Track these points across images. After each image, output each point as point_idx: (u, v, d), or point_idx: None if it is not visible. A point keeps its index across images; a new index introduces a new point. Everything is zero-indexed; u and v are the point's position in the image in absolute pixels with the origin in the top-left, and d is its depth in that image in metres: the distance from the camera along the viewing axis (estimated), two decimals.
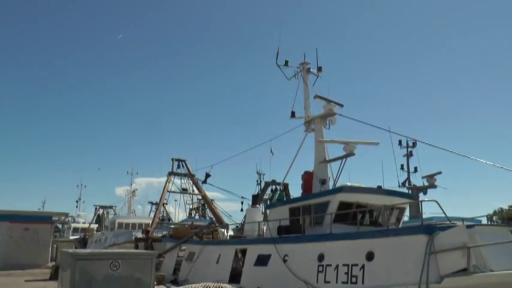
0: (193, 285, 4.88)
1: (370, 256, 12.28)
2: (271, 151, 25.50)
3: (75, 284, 7.84)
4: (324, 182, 18.80)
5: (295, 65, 22.07)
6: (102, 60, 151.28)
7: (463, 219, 15.91)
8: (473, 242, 10.67)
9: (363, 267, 12.34)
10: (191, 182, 34.92)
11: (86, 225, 61.12)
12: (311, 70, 21.89)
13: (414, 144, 40.20)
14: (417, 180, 38.19)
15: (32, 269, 25.29)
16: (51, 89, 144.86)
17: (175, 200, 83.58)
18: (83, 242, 48.40)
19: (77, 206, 74.80)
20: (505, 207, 47.90)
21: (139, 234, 32.22)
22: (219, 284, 4.95)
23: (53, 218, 31.24)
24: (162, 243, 26.73)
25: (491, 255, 10.79)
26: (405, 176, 40.22)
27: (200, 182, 33.07)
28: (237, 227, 28.28)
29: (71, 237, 54.98)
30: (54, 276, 19.84)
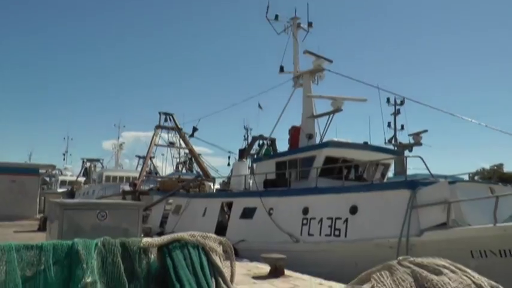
0: (179, 234, 4.95)
1: (353, 210, 12.55)
2: (259, 105, 25.47)
3: (63, 233, 7.91)
4: (310, 137, 18.90)
5: (286, 20, 21.69)
6: (90, 10, 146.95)
7: (445, 177, 16.23)
8: (454, 198, 10.95)
9: (346, 220, 12.64)
10: (178, 135, 34.85)
11: (74, 178, 61.07)
12: (301, 25, 21.54)
13: (402, 102, 40.42)
14: (403, 138, 38.68)
15: (20, 221, 25.41)
16: (38, 37, 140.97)
17: (163, 154, 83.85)
18: (70, 195, 48.56)
19: (64, 159, 74.54)
20: (487, 167, 48.86)
21: (127, 187, 32.39)
22: (205, 234, 5.02)
23: (40, 171, 31.11)
24: (149, 196, 26.95)
25: (470, 210, 11.11)
26: (392, 133, 40.67)
27: (187, 136, 33.03)
28: (223, 181, 28.53)
29: (59, 190, 55.10)
30: (42, 228, 19.98)
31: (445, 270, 2.08)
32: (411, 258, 2.24)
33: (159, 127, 33.35)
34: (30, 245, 4.49)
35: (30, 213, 28.23)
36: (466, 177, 16.31)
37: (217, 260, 5.19)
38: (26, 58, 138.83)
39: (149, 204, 24.69)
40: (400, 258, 2.29)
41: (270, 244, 13.55)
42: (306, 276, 10.58)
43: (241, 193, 18.64)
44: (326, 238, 13.01)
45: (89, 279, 4.48)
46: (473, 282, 2.05)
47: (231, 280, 5.36)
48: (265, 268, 10.98)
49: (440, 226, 10.79)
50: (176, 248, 4.96)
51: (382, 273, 2.12)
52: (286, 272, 10.75)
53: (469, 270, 2.11)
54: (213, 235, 5.32)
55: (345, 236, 12.53)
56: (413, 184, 11.63)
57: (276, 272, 10.51)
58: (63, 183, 59.79)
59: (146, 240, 4.87)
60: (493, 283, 2.11)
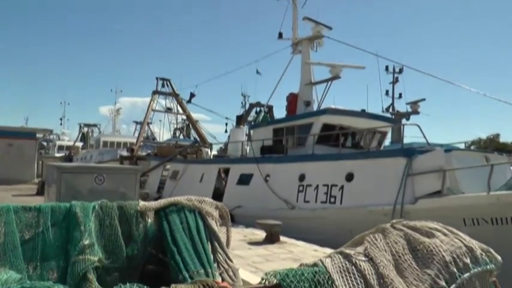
0: (176, 198, 4.98)
1: (349, 177, 12.64)
2: (258, 71, 25.25)
3: (61, 197, 7.97)
4: (308, 104, 18.85)
5: None
6: None
7: (442, 145, 16.30)
8: (449, 166, 11.02)
9: (342, 187, 12.74)
10: (176, 101, 34.65)
11: (71, 143, 61.02)
12: None
13: (401, 70, 40.16)
14: (401, 107, 38.57)
15: (19, 185, 25.55)
16: (36, 3, 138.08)
17: (160, 120, 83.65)
18: (68, 160, 48.61)
19: (61, 124, 74.40)
20: (484, 137, 48.99)
21: (125, 153, 32.43)
22: (201, 198, 5.06)
23: (37, 135, 31.06)
24: (147, 161, 27.03)
25: (464, 179, 11.21)
26: (389, 101, 40.54)
27: (185, 102, 32.86)
28: (220, 148, 28.57)
29: (56, 155, 55.13)
30: (40, 192, 20.11)
31: (437, 233, 2.12)
32: (404, 222, 2.27)
33: (156, 92, 33.11)
34: (28, 207, 4.51)
35: (28, 177, 28.33)
36: (462, 146, 16.39)
37: (213, 224, 5.23)
38: (23, 20, 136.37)
39: (146, 170, 24.79)
40: (394, 221, 2.32)
41: (266, 210, 13.70)
42: (300, 243, 10.76)
43: (238, 159, 18.71)
44: (321, 205, 13.15)
45: (86, 242, 4.51)
46: (464, 245, 2.08)
47: (227, 245, 5.42)
48: (261, 234, 11.15)
49: (434, 194, 10.91)
50: (173, 212, 4.99)
51: (376, 235, 2.16)
52: (282, 238, 10.93)
53: (460, 233, 2.15)
54: (210, 199, 5.35)
55: (341, 203, 12.66)
56: (410, 152, 11.69)
57: (271, 238, 10.68)
58: (60, 148, 59.79)
59: (143, 203, 4.90)
60: (484, 246, 2.15)
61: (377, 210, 11.33)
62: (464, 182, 11.12)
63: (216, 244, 5.08)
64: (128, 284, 1.79)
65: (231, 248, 5.43)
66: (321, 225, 12.35)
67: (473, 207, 10.12)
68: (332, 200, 12.92)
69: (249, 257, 8.86)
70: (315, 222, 12.77)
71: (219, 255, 5.01)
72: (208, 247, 4.98)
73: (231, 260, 5.08)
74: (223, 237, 5.35)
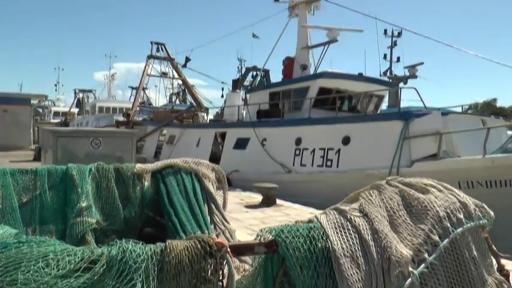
0: (172, 160, 4.98)
1: (346, 141, 12.66)
2: (254, 35, 24.87)
3: (57, 161, 7.97)
4: (305, 67, 18.68)
5: None
6: None
7: (439, 109, 16.28)
8: (446, 129, 11.04)
9: (338, 151, 12.79)
10: (171, 66, 34.27)
11: (67, 109, 60.64)
12: None
13: (399, 34, 39.74)
14: (399, 71, 38.35)
15: (15, 151, 25.49)
16: None
17: (156, 86, 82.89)
18: (64, 126, 48.44)
19: (56, 90, 73.78)
20: (481, 101, 48.89)
21: (121, 118, 32.31)
22: (197, 160, 5.06)
23: (32, 101, 30.78)
24: (143, 126, 26.96)
25: (461, 142, 11.25)
26: (387, 65, 40.25)
27: (180, 66, 32.50)
28: (217, 113, 28.48)
29: (52, 121, 54.89)
30: (37, 158, 20.09)
31: (432, 189, 2.13)
32: (400, 178, 2.28)
33: (151, 57, 32.67)
34: (25, 170, 4.51)
35: (25, 143, 28.23)
36: (459, 110, 16.38)
37: (210, 186, 5.25)
38: None
39: (143, 135, 24.75)
40: (389, 178, 2.33)
41: (262, 174, 13.78)
42: (297, 205, 10.87)
43: (235, 124, 18.68)
44: (318, 168, 13.22)
45: (84, 204, 4.54)
46: (458, 201, 2.10)
47: (224, 207, 5.46)
48: (258, 197, 11.25)
49: (430, 157, 10.96)
50: (169, 174, 5.00)
51: (371, 192, 2.17)
52: (278, 201, 11.03)
53: (455, 190, 2.16)
54: (206, 162, 5.36)
55: (337, 166, 12.73)
56: (407, 115, 11.67)
57: (268, 201, 10.78)
58: (56, 114, 59.41)
59: (140, 166, 4.90)
60: (477, 202, 2.16)
61: (373, 174, 11.40)
62: (460, 146, 11.17)
63: (213, 206, 5.12)
64: (123, 240, 1.80)
65: (227, 211, 5.48)
66: (317, 188, 12.46)
67: (469, 170, 10.20)
68: (328, 163, 12.98)
69: (246, 219, 8.97)
70: (311, 185, 12.87)
71: (216, 217, 5.06)
72: (205, 209, 5.02)
73: (227, 222, 5.14)
74: (220, 200, 5.38)
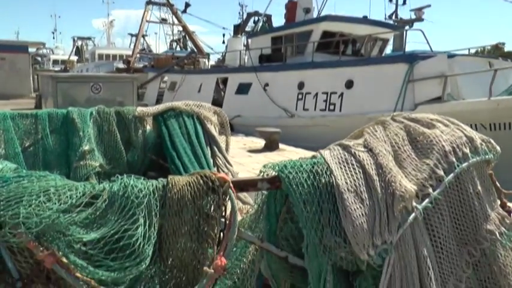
0: (173, 103, 4.92)
1: (349, 84, 12.52)
2: None
3: (58, 107, 7.93)
4: (308, 11, 18.19)
5: None
6: None
7: (445, 52, 15.98)
8: (452, 72, 10.86)
9: (341, 95, 12.67)
10: (170, 12, 33.44)
11: (66, 57, 59.88)
12: None
13: None
14: (405, 14, 37.27)
15: (16, 100, 25.39)
16: None
17: (156, 33, 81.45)
18: None
19: (53, 38, 72.55)
20: (488, 47, 47.79)
21: (121, 65, 31.94)
22: (199, 103, 5.00)
23: (30, 49, 30.32)
24: (144, 73, 26.68)
25: (466, 84, 11.09)
26: (393, 8, 39.07)
27: (180, 12, 31.72)
28: (218, 59, 28.04)
29: (52, 69, 54.34)
30: (39, 105, 20.03)
31: (438, 124, 2.08)
32: (405, 114, 2.22)
33: (150, 3, 31.84)
34: (25, 114, 4.48)
35: (24, 91, 28.05)
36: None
37: (212, 129, 5.23)
38: None
39: (144, 82, 24.54)
40: (394, 113, 2.27)
41: (265, 119, 13.74)
42: (299, 150, 10.90)
43: (237, 69, 18.44)
44: (321, 113, 13.16)
45: (86, 147, 4.53)
46: (465, 135, 2.06)
47: (226, 150, 5.46)
48: (260, 142, 11.26)
49: (435, 100, 10.86)
50: (171, 117, 4.96)
51: (375, 127, 2.13)
52: (281, 145, 11.05)
53: (461, 124, 2.11)
54: (208, 104, 5.30)
55: (340, 110, 12.66)
56: (411, 58, 11.47)
57: (270, 146, 10.80)
58: (55, 62, 58.69)
59: (141, 109, 4.85)
60: (484, 137, 2.12)
61: (376, 117, 11.29)
62: (465, 88, 11.03)
63: (215, 148, 5.11)
64: (125, 175, 1.78)
65: (230, 156, 5.48)
66: (320, 133, 12.44)
67: (473, 112, 10.11)
68: (331, 107, 12.91)
69: (249, 163, 9.02)
70: (314, 130, 12.85)
71: (219, 159, 5.06)
72: (208, 151, 5.01)
73: (230, 164, 5.14)
74: (222, 144, 5.37)
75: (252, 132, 12.30)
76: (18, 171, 1.71)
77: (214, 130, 5.21)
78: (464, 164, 1.96)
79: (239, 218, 2.28)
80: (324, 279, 2.06)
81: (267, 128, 11.21)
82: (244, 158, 9.63)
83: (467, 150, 1.99)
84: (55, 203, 1.54)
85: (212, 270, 1.75)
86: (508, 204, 2.24)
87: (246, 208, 4.14)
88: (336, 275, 2.07)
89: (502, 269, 1.98)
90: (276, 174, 1.98)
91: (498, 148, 2.13)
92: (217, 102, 18.05)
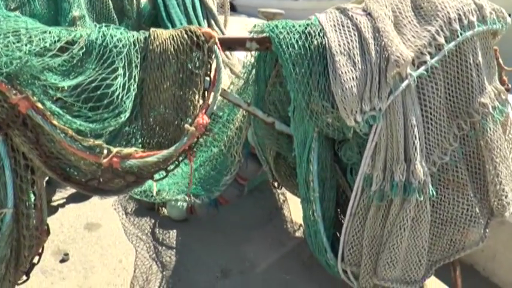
0: None
1: None
2: None
3: None
4: None
5: None
6: None
7: None
8: None
9: None
10: None
11: None
12: None
13: None
14: None
15: None
16: None
17: None
18: None
19: None
20: None
21: None
22: None
23: None
24: None
25: None
26: None
27: None
28: None
29: None
30: None
31: None
32: None
33: None
34: None
35: None
36: None
37: (209, 1, 5.01)
38: None
39: None
40: None
41: (270, 0, 13.09)
42: None
43: None
44: None
45: (76, 13, 4.34)
46: (474, 2, 1.90)
47: (225, 26, 5.28)
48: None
49: None
50: None
51: None
52: None
53: None
54: None
55: None
56: None
57: None
58: None
59: None
60: (496, 6, 1.96)
61: None
62: None
63: (213, 22, 4.93)
64: (103, 24, 1.67)
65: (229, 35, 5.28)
66: None
67: None
68: None
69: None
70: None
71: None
72: (205, 24, 4.84)
73: None
74: (220, 19, 5.18)
75: (255, 13, 11.78)
76: None
77: (212, 3, 4.98)
78: (468, 33, 1.82)
79: (227, 82, 2.19)
80: (309, 147, 2.04)
81: (270, 9, 10.72)
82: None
83: (473, 18, 1.84)
84: (25, 45, 1.45)
85: (193, 128, 1.71)
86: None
87: (233, 79, 4.07)
88: (322, 143, 2.05)
89: (488, 143, 1.94)
90: (267, 34, 1.86)
91: (509, 19, 1.98)
92: None
